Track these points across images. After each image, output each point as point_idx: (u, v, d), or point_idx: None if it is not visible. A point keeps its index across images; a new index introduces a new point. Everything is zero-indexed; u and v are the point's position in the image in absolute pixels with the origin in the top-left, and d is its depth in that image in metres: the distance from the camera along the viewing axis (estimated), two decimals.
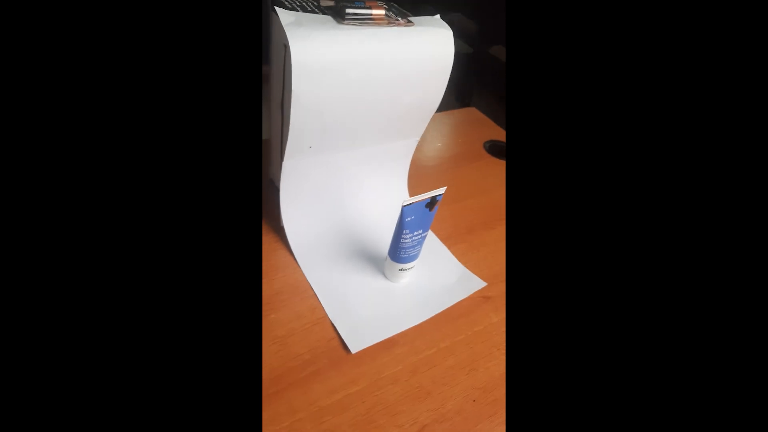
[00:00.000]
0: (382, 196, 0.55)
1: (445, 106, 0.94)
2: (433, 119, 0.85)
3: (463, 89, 2.30)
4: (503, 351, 0.44)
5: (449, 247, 0.55)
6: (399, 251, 0.45)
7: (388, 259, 0.47)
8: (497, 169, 0.71)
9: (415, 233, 0.43)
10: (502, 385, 0.41)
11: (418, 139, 0.54)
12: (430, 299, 0.47)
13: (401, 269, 0.47)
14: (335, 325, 0.42)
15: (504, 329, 0.46)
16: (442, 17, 0.47)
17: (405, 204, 0.40)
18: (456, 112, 0.88)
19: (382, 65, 0.42)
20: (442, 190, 0.43)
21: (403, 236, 0.43)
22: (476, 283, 0.50)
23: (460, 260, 0.53)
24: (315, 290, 0.45)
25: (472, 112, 0.88)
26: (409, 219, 0.42)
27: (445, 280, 0.50)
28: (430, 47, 0.45)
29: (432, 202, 0.42)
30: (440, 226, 0.58)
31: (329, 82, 0.40)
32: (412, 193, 0.60)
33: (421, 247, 0.46)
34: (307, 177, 0.47)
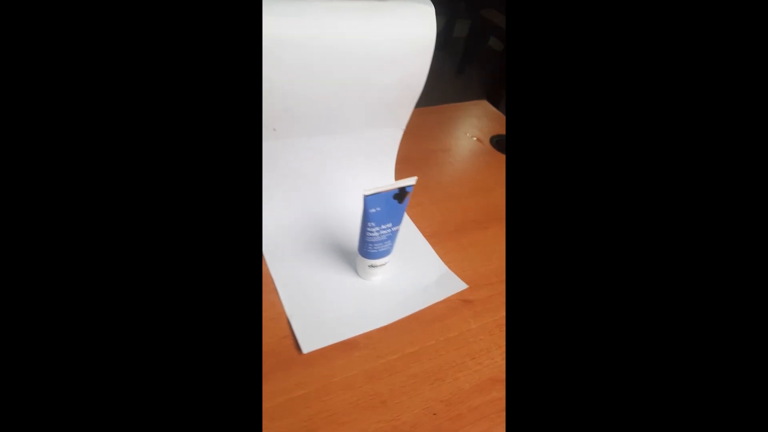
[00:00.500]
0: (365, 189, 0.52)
1: (455, 98, 0.89)
2: (440, 111, 0.81)
3: (494, 88, 2.22)
4: (478, 361, 0.40)
5: (434, 245, 0.50)
6: (366, 246, 0.41)
7: (358, 254, 0.43)
8: (502, 166, 0.66)
9: (383, 227, 0.40)
10: (470, 399, 0.37)
11: (403, 128, 0.51)
12: (403, 299, 0.43)
13: (371, 266, 0.43)
14: (290, 321, 0.40)
15: (483, 337, 0.42)
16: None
17: (367, 194, 0.37)
18: (466, 105, 0.83)
19: (354, 42, 0.39)
20: (412, 181, 0.39)
21: (368, 229, 0.39)
22: (456, 285, 0.45)
23: (444, 259, 0.49)
24: (276, 284, 0.43)
25: (484, 106, 0.83)
26: (373, 210, 0.38)
27: (424, 279, 0.46)
28: (409, 24, 0.41)
29: (401, 194, 0.39)
30: (428, 222, 0.54)
31: (292, 59, 0.37)
32: None
33: (392, 242, 0.42)
34: (276, 162, 0.44)
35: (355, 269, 0.46)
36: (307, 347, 0.37)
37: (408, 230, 0.51)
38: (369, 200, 0.37)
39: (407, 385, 0.37)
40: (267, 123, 0.40)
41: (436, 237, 0.52)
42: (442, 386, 0.37)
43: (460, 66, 2.50)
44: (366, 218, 0.39)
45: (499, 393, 0.37)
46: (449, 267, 0.48)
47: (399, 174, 0.56)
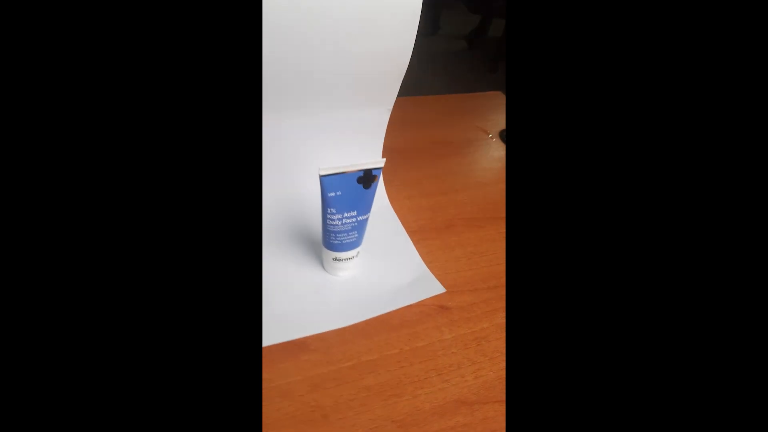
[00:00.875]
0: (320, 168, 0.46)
1: (467, 88, 0.83)
2: (450, 100, 0.75)
3: None
4: (444, 378, 0.34)
5: (416, 242, 0.45)
6: (328, 236, 0.36)
7: (323, 246, 0.39)
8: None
9: (347, 215, 0.35)
10: (428, 422, 0.31)
11: (390, 108, 0.45)
12: (369, 299, 0.38)
13: (335, 258, 0.38)
14: None
15: (456, 350, 0.36)
16: None
17: (323, 173, 0.32)
18: (480, 96, 0.77)
19: (333, 6, 0.34)
20: (380, 163, 0.33)
21: (329, 216, 0.35)
22: (433, 287, 0.40)
23: (425, 259, 0.43)
24: None
25: (497, 97, 0.76)
26: (333, 195, 0.33)
27: (397, 278, 0.41)
28: None
29: (367, 178, 0.34)
30: (414, 216, 0.48)
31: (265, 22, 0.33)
32: (395, 180, 0.51)
33: (360, 234, 0.37)
34: None
35: (321, 263, 0.41)
36: None
37: (389, 224, 0.46)
38: (326, 182, 0.33)
39: (356, 399, 0.32)
40: None
41: (421, 233, 0.46)
42: (397, 404, 0.32)
43: (491, 65, 2.41)
44: (325, 203, 0.34)
45: (465, 418, 0.32)
46: (429, 267, 0.42)
47: (390, 162, 0.51)
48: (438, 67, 1.45)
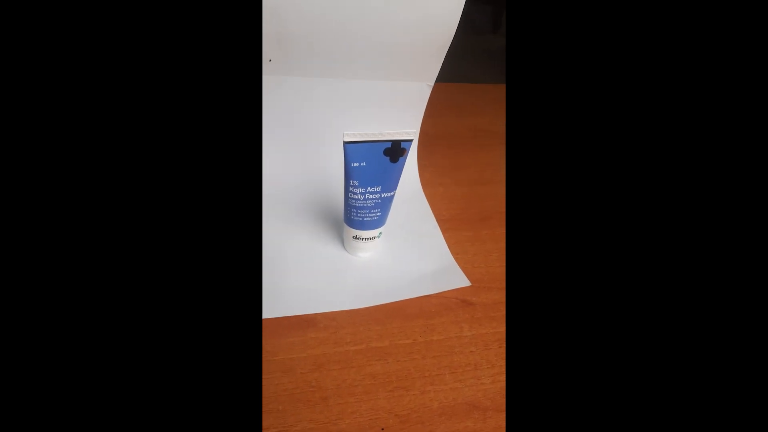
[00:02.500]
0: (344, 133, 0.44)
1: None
2: (495, 90, 0.70)
3: None
4: (458, 377, 0.31)
5: (445, 231, 0.42)
6: (350, 211, 0.34)
7: (344, 223, 0.37)
8: None
9: (370, 189, 0.33)
10: (434, 422, 0.28)
11: (431, 84, 0.42)
12: (388, 283, 0.36)
13: (356, 237, 0.36)
14: None
15: (474, 349, 0.33)
16: None
17: (348, 140, 0.30)
18: None
19: None
20: (410, 134, 0.31)
21: (351, 189, 0.33)
22: (457, 280, 0.37)
23: (453, 250, 0.40)
24: None
25: None
26: (357, 165, 0.31)
27: (421, 266, 0.38)
28: None
29: (395, 150, 0.31)
30: (446, 205, 0.45)
31: None
32: (430, 164, 0.48)
33: (384, 213, 0.35)
34: (270, 102, 0.39)
35: (342, 241, 0.39)
36: None
37: (418, 209, 0.43)
38: (351, 150, 0.30)
39: (360, 386, 0.30)
40: (261, 51, 0.35)
41: (452, 223, 0.43)
42: (403, 397, 0.29)
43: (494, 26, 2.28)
44: (348, 174, 0.32)
45: (476, 424, 0.28)
46: (456, 259, 0.39)
47: (428, 150, 0.48)
48: (495, 64, 1.40)
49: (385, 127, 0.43)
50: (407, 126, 0.45)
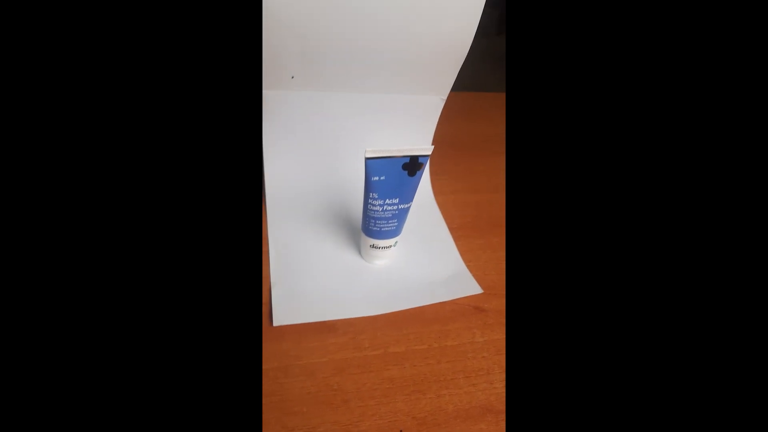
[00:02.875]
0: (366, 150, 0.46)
1: None
2: (496, 98, 0.71)
3: None
4: (472, 382, 0.32)
5: (458, 239, 0.43)
6: (368, 222, 0.36)
7: (361, 232, 0.38)
8: None
9: (389, 201, 0.34)
10: (450, 424, 0.30)
11: (444, 98, 0.44)
12: (403, 291, 0.37)
13: (373, 246, 0.38)
14: (271, 290, 0.36)
15: (487, 354, 0.34)
16: None
17: (369, 156, 0.31)
18: None
19: None
20: (427, 150, 0.32)
21: (370, 201, 0.34)
22: (470, 287, 0.38)
23: (465, 257, 0.42)
24: (269, 248, 0.39)
25: None
26: (376, 179, 0.33)
27: (434, 273, 0.39)
28: None
29: (413, 164, 0.33)
30: (459, 212, 0.47)
31: None
32: (441, 172, 0.49)
33: (400, 223, 0.36)
34: (293, 115, 0.41)
35: (358, 249, 0.40)
36: (278, 320, 0.33)
37: (430, 216, 0.45)
38: (371, 165, 0.32)
39: (379, 389, 0.31)
40: (284, 68, 0.36)
41: (464, 230, 0.45)
42: (420, 400, 0.31)
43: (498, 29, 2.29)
44: (368, 188, 0.33)
45: (489, 426, 0.30)
46: (469, 266, 0.41)
47: (440, 156, 0.50)
48: (502, 67, 1.40)
49: (398, 139, 0.45)
50: (420, 138, 0.46)
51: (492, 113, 0.65)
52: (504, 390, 0.32)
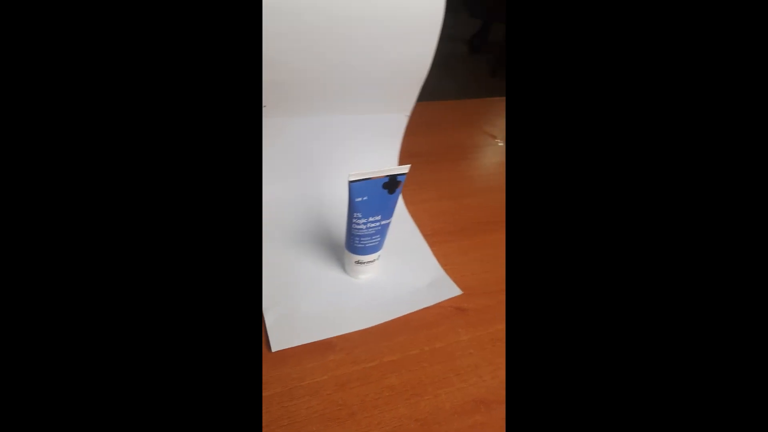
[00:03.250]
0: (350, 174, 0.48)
1: (471, 93, 0.84)
2: (460, 106, 0.76)
3: None
4: (463, 378, 0.35)
5: (432, 246, 0.46)
6: (352, 239, 0.38)
7: (345, 249, 0.40)
8: None
9: (371, 219, 0.36)
10: (449, 421, 0.32)
11: (408, 114, 0.47)
12: (389, 301, 0.40)
13: (358, 262, 0.39)
14: (264, 315, 0.36)
15: (473, 351, 0.37)
16: None
17: (352, 179, 0.33)
18: (487, 101, 0.78)
19: (355, 13, 0.35)
20: (404, 169, 0.35)
21: (354, 220, 0.36)
22: (450, 290, 0.41)
23: (441, 262, 0.45)
24: None
25: (503, 102, 0.77)
26: (360, 199, 0.34)
27: (415, 281, 0.42)
28: None
29: (392, 183, 0.35)
30: (430, 220, 0.50)
31: (286, 27, 0.34)
32: (409, 183, 0.52)
33: (382, 238, 0.39)
34: (273, 139, 0.41)
35: (342, 265, 0.42)
36: (276, 345, 0.34)
37: (405, 226, 0.47)
38: (355, 187, 0.34)
39: (381, 398, 0.33)
40: None
41: (437, 236, 0.48)
42: (419, 403, 0.33)
43: (493, 70, 2.43)
44: (352, 208, 0.35)
45: (483, 417, 0.33)
46: (446, 270, 0.44)
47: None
48: (441, 71, 1.46)
49: (368, 155, 0.47)
50: (389, 153, 0.49)
51: (444, 122, 0.69)
52: (492, 382, 0.35)
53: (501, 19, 2.54)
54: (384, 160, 0.49)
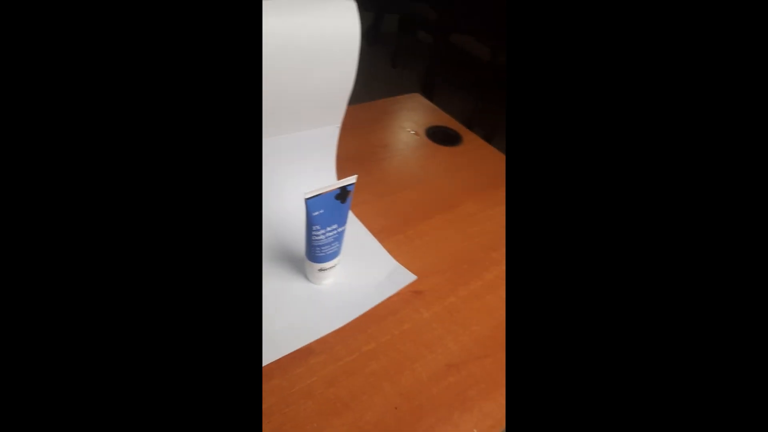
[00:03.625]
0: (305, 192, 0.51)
1: (392, 92, 0.90)
2: (376, 107, 0.81)
3: (427, 80, 2.27)
4: (432, 350, 0.41)
5: (382, 241, 0.51)
6: (313, 250, 0.41)
7: (306, 259, 0.43)
8: (439, 156, 0.68)
9: (329, 229, 0.39)
10: (428, 388, 0.38)
11: (339, 125, 0.50)
12: (356, 299, 0.43)
13: (321, 269, 0.43)
14: None
15: (435, 325, 0.43)
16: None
17: (308, 196, 0.36)
18: (400, 99, 0.84)
19: (278, 42, 0.38)
20: (352, 179, 0.39)
21: (314, 233, 0.39)
22: (407, 277, 0.46)
23: (392, 254, 0.49)
24: None
25: (417, 99, 0.84)
26: (317, 213, 0.38)
27: (375, 276, 0.46)
28: (333, 24, 0.40)
29: (343, 194, 0.38)
30: (374, 218, 0.54)
31: None
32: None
33: (340, 243, 0.42)
34: None
35: (304, 275, 0.45)
36: (263, 361, 0.36)
37: (354, 229, 0.51)
38: (311, 203, 0.37)
39: (367, 384, 0.37)
40: None
41: (384, 232, 0.52)
42: (401, 380, 0.38)
43: (393, 60, 2.53)
44: (310, 222, 0.38)
45: (454, 377, 0.39)
46: (398, 260, 0.49)
47: (341, 172, 0.56)
48: (364, 78, 1.49)
49: (308, 168, 0.50)
50: (326, 163, 0.52)
51: (366, 123, 0.74)
52: (456, 347, 0.41)
53: (392, 9, 2.63)
54: (324, 169, 0.52)
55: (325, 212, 0.38)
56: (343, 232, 0.42)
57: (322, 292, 0.44)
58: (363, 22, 0.43)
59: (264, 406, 0.34)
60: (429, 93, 2.20)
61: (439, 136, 0.73)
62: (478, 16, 1.98)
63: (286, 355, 0.38)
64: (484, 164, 0.67)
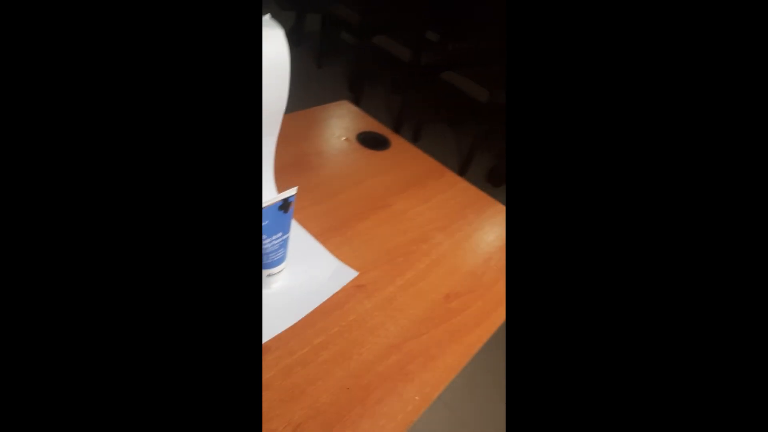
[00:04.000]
0: None
1: (318, 101, 0.94)
2: (304, 115, 0.85)
3: (354, 81, 2.32)
4: (376, 335, 0.47)
5: (323, 243, 0.56)
6: (262, 257, 0.44)
7: None
8: (370, 159, 0.74)
9: (275, 237, 0.43)
10: (374, 367, 0.43)
11: (275, 138, 0.54)
12: (304, 298, 0.48)
13: (269, 275, 0.46)
14: None
15: (376, 313, 0.49)
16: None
17: None
18: (330, 107, 0.89)
19: None
20: (293, 191, 0.43)
21: (262, 243, 0.42)
22: (349, 274, 0.52)
23: (334, 254, 0.54)
24: None
25: (346, 106, 0.89)
26: (264, 224, 0.41)
27: (320, 276, 0.51)
28: (264, 49, 0.44)
29: (285, 204, 0.42)
30: (314, 223, 0.58)
31: None
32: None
33: (285, 249, 0.46)
34: None
35: None
36: None
37: (297, 234, 0.55)
38: None
39: (321, 371, 0.42)
40: None
41: (325, 234, 0.57)
42: (350, 364, 0.43)
43: (319, 60, 2.54)
44: None
45: (396, 356, 0.45)
46: (340, 259, 0.54)
47: (280, 181, 0.59)
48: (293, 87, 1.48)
49: None
50: (266, 172, 0.55)
51: (299, 131, 0.77)
52: (396, 330, 0.48)
53: (314, 9, 2.64)
54: (264, 179, 0.55)
55: (270, 222, 0.42)
56: (287, 238, 0.46)
57: (273, 295, 0.47)
58: (285, 23, 0.47)
59: None
60: (357, 94, 2.25)
61: (369, 141, 0.78)
62: (401, 19, 2.07)
63: None
64: (411, 166, 0.74)
